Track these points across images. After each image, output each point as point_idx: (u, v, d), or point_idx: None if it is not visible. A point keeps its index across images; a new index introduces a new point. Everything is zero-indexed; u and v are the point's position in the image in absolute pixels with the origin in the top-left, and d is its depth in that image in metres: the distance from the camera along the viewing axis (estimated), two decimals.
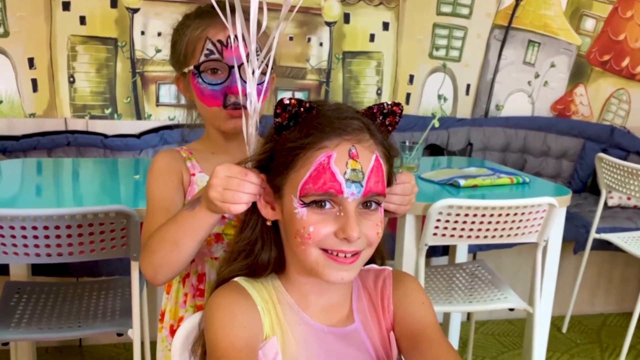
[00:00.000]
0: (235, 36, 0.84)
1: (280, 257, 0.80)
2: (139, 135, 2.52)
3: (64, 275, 2.06)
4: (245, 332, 0.74)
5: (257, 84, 0.85)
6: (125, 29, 2.52)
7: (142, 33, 2.54)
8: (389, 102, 0.78)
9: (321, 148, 0.73)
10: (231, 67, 0.93)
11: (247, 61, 0.85)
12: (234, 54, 0.91)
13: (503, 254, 2.54)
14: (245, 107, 0.84)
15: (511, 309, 1.81)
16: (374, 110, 0.78)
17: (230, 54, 0.92)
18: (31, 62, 2.46)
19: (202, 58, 0.94)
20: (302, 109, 0.74)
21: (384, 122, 0.79)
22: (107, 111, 2.57)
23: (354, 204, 0.73)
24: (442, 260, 2.44)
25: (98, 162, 2.18)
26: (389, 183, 0.80)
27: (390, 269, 0.86)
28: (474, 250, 2.42)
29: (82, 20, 2.48)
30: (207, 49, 0.94)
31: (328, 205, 0.73)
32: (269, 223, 0.79)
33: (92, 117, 2.55)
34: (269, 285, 0.81)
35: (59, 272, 2.05)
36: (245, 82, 0.84)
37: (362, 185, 0.73)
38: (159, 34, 2.53)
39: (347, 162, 0.73)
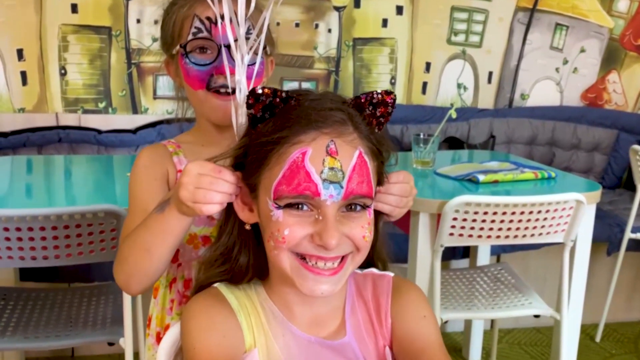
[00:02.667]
0: (222, 16, 0.83)
1: (262, 263, 0.78)
2: (135, 131, 2.52)
3: (55, 281, 2.07)
4: (224, 342, 0.72)
5: (248, 65, 0.83)
6: (120, 17, 2.53)
7: (138, 21, 2.55)
8: (379, 91, 0.75)
9: (296, 143, 0.70)
10: (220, 46, 0.91)
11: (236, 46, 0.84)
12: (224, 31, 0.89)
13: (529, 256, 2.50)
14: (235, 94, 0.83)
15: (537, 316, 1.79)
16: (362, 100, 0.75)
17: (220, 32, 0.91)
18: (20, 54, 2.47)
19: (190, 37, 0.93)
20: (277, 99, 0.72)
21: (374, 114, 0.76)
22: (101, 105, 2.58)
23: (334, 207, 0.70)
24: (463, 263, 2.41)
25: (91, 160, 2.19)
26: (380, 182, 0.77)
27: (392, 275, 0.83)
28: (497, 252, 2.39)
29: (74, 9, 2.48)
30: (195, 27, 0.93)
31: (305, 207, 0.71)
32: (247, 227, 0.76)
33: (85, 112, 2.55)
34: (252, 291, 0.79)
35: (50, 277, 2.06)
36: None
37: (341, 187, 0.70)
38: (156, 22, 2.47)
39: (324, 159, 0.70)
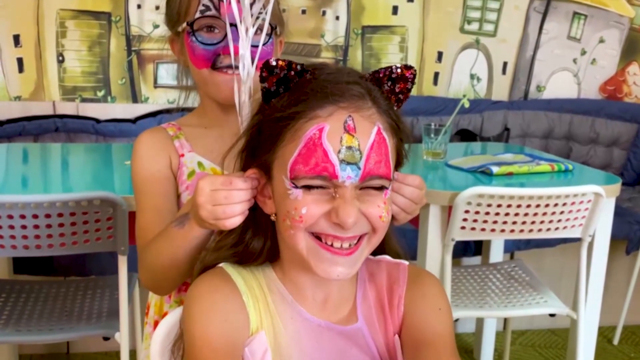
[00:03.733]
0: None
1: (274, 247, 0.77)
2: (134, 120, 2.52)
3: (50, 274, 2.06)
4: (225, 327, 0.71)
5: (253, 46, 0.81)
6: (120, 3, 2.52)
7: (139, 7, 2.54)
8: (398, 65, 0.74)
9: (312, 118, 0.69)
10: (230, 25, 0.89)
11: (241, 19, 0.82)
12: (230, 9, 0.88)
13: (544, 254, 2.47)
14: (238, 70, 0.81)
15: (552, 315, 1.76)
16: (380, 75, 0.74)
17: (229, 11, 0.89)
18: (17, 40, 2.47)
19: (197, 15, 0.92)
20: (292, 72, 0.71)
21: (393, 90, 0.74)
22: (100, 93, 2.57)
23: (351, 187, 0.69)
24: (475, 260, 2.39)
25: (89, 149, 2.18)
26: (399, 163, 0.76)
27: (407, 263, 0.82)
28: (510, 249, 2.36)
29: None
30: (203, 5, 0.92)
31: (322, 186, 0.70)
32: (273, 217, 0.75)
33: (83, 100, 2.54)
34: (260, 273, 0.78)
35: (45, 270, 2.05)
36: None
37: (359, 168, 0.69)
38: (157, 8, 2.51)
39: (342, 137, 0.68)
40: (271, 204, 0.75)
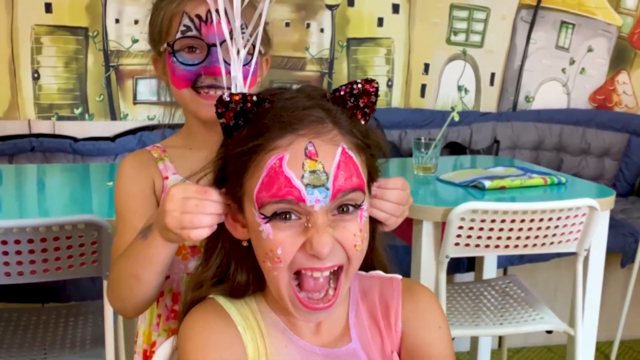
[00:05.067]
0: (217, 10, 0.84)
1: (261, 276, 0.78)
2: (113, 138, 2.52)
3: (29, 301, 2.05)
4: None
5: (243, 65, 0.84)
6: (97, 17, 2.53)
7: (117, 21, 2.56)
8: (359, 81, 0.75)
9: (272, 149, 0.70)
10: (210, 46, 0.92)
11: (231, 39, 0.85)
12: (215, 30, 0.90)
13: (538, 269, 2.51)
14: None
15: (549, 332, 1.79)
16: (342, 93, 0.75)
17: (210, 31, 0.92)
18: None
19: (178, 35, 0.94)
20: (248, 104, 0.72)
21: (357, 105, 0.75)
22: (77, 111, 2.58)
23: (323, 211, 0.70)
24: (468, 277, 2.42)
25: (67, 169, 2.18)
26: (373, 178, 0.78)
27: (400, 277, 0.83)
28: (504, 264, 2.39)
29: (48, 8, 2.49)
30: (184, 25, 0.94)
31: (293, 216, 0.70)
32: (244, 243, 0.76)
33: (60, 118, 2.55)
34: (252, 301, 0.79)
35: (21, 297, 2.03)
36: (228, 63, 0.83)
37: (327, 189, 0.69)
38: (136, 22, 2.53)
39: (303, 163, 0.69)
40: (243, 231, 0.76)
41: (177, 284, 1.01)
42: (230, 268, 0.77)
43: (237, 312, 0.76)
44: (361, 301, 0.81)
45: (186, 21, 0.94)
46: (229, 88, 0.85)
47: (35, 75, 2.52)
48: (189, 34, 0.94)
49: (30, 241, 1.36)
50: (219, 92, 0.85)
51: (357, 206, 0.72)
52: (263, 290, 0.79)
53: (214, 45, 0.90)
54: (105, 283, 1.48)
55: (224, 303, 0.77)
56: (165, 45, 0.96)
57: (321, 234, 0.69)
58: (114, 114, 2.61)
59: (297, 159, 0.69)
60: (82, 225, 1.38)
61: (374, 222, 0.81)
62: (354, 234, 0.72)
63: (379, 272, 0.84)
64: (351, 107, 0.75)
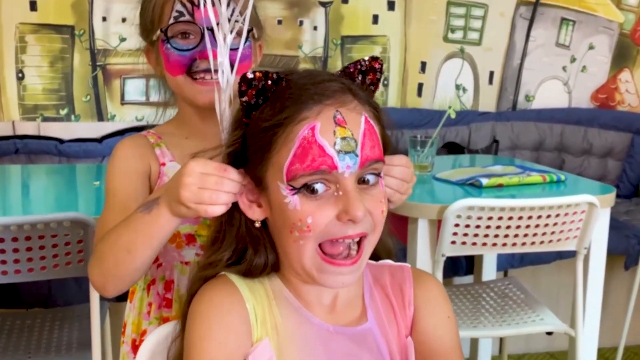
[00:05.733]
0: None
1: (277, 259, 0.82)
2: (100, 140, 2.54)
3: (12, 306, 2.06)
4: (222, 350, 0.75)
5: (231, 49, 0.86)
6: (84, 15, 2.55)
7: (104, 19, 2.57)
8: (366, 58, 0.81)
9: (301, 120, 0.74)
10: (204, 30, 0.94)
11: (217, 25, 0.87)
12: (207, 14, 0.92)
13: (540, 271, 2.53)
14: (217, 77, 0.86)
15: (549, 333, 1.81)
16: (351, 70, 0.81)
17: (203, 15, 0.94)
18: None
19: (171, 20, 0.97)
20: (269, 81, 0.76)
21: (364, 82, 0.81)
22: (63, 112, 2.59)
23: (352, 178, 0.75)
24: (467, 279, 2.43)
25: (52, 170, 2.19)
26: (385, 148, 0.82)
27: (409, 265, 0.88)
28: (504, 267, 2.41)
29: (33, 6, 2.51)
30: (177, 11, 0.96)
31: (322, 187, 0.74)
32: (257, 224, 0.80)
33: (45, 119, 2.56)
34: (265, 279, 0.82)
35: (6, 302, 2.04)
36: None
37: (356, 155, 0.75)
38: (124, 20, 2.55)
39: (334, 130, 0.74)
40: (258, 211, 0.79)
41: (170, 272, 1.02)
42: (247, 251, 0.81)
43: (248, 289, 0.79)
44: (374, 286, 0.86)
45: (178, 7, 0.96)
46: (216, 70, 0.87)
47: (20, 75, 2.53)
48: (182, 19, 0.96)
49: (15, 239, 1.37)
50: (215, 77, 0.87)
51: (378, 174, 0.78)
52: (277, 271, 0.83)
53: (208, 28, 0.92)
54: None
55: (235, 280, 0.80)
56: (158, 32, 0.98)
57: (355, 199, 0.73)
58: (101, 115, 2.62)
59: (329, 127, 0.74)
60: (67, 223, 1.40)
61: None
62: (380, 201, 0.77)
63: (388, 261, 0.88)
64: (359, 84, 0.81)
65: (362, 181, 0.77)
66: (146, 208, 0.84)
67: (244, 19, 0.87)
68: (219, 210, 0.77)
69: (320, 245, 0.76)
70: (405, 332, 0.84)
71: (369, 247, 0.79)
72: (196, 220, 0.98)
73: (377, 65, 0.81)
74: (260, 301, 0.79)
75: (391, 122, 0.84)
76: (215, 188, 0.76)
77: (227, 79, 0.87)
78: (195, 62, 0.97)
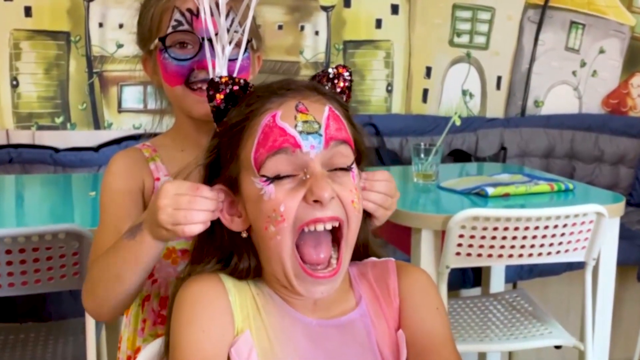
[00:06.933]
0: (205, 8, 0.89)
1: (259, 265, 0.84)
2: (97, 148, 2.56)
3: (4, 320, 2.07)
4: (203, 337, 0.78)
5: (230, 60, 0.88)
6: (80, 21, 2.58)
7: (100, 25, 2.60)
8: (334, 66, 0.85)
9: (264, 112, 0.79)
10: (203, 40, 0.96)
11: (216, 36, 0.89)
12: (206, 25, 0.94)
13: (549, 283, 2.53)
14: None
15: (558, 347, 1.81)
16: (319, 77, 0.85)
17: (202, 25, 0.96)
18: None
19: (169, 30, 0.99)
20: (236, 86, 0.81)
21: (334, 90, 0.85)
22: (58, 120, 2.61)
23: (318, 160, 0.77)
24: (474, 292, 2.44)
25: (47, 180, 2.20)
26: (361, 157, 0.85)
27: (393, 259, 0.90)
28: (512, 278, 2.42)
29: (28, 12, 2.53)
30: (175, 20, 0.99)
31: (291, 176, 0.78)
32: (244, 234, 0.83)
33: (40, 128, 2.58)
34: (250, 281, 0.85)
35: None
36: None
37: (320, 135, 0.78)
38: (121, 26, 2.58)
39: (295, 116, 0.78)
40: (239, 221, 0.82)
41: (165, 288, 1.04)
42: (232, 259, 0.84)
43: (231, 282, 0.82)
44: (359, 279, 0.88)
45: (177, 16, 0.99)
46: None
47: (14, 82, 2.55)
48: (181, 28, 0.99)
49: (9, 252, 1.39)
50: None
51: (347, 169, 0.80)
52: (261, 276, 0.85)
53: (207, 39, 0.94)
54: None
55: (220, 274, 0.83)
56: (156, 41, 1.00)
57: (320, 179, 0.76)
58: (97, 123, 2.64)
59: (289, 113, 0.78)
60: (62, 235, 1.41)
61: (364, 215, 0.86)
62: (350, 190, 0.79)
63: (372, 259, 0.90)
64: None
65: (330, 170, 0.79)
66: (131, 234, 0.87)
67: (244, 30, 0.90)
68: (196, 229, 0.80)
69: (298, 249, 0.78)
70: (394, 326, 0.85)
71: (347, 248, 0.81)
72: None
73: (345, 72, 0.85)
74: (243, 295, 0.82)
75: (367, 134, 0.88)
76: (189, 207, 0.79)
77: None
78: (194, 72, 0.99)
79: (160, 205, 0.80)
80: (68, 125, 2.62)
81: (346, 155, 0.80)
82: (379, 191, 0.88)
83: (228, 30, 0.91)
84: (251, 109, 0.79)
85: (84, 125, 2.64)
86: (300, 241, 0.79)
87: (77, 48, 2.59)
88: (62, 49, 2.58)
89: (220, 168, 0.83)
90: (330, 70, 0.85)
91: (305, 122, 0.78)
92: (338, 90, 0.85)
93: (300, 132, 0.77)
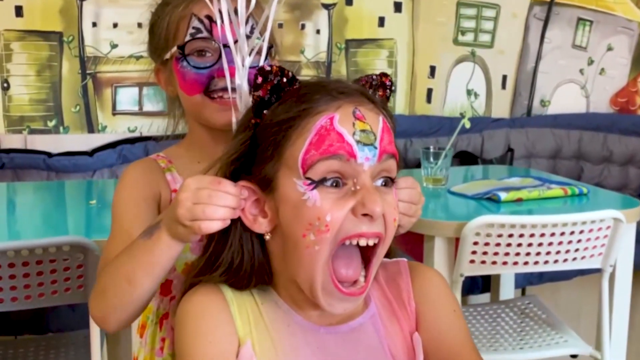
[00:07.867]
0: (221, 14, 0.89)
1: (263, 270, 0.84)
2: (91, 153, 2.55)
3: (2, 333, 2.07)
4: (210, 350, 0.78)
5: (250, 68, 0.89)
6: (73, 21, 2.56)
7: (94, 25, 2.58)
8: (376, 74, 0.85)
9: (319, 112, 0.78)
10: (223, 47, 0.96)
11: (236, 47, 0.90)
12: (224, 31, 0.95)
13: (560, 288, 2.56)
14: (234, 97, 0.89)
15: (574, 357, 1.83)
16: (363, 82, 0.85)
17: (222, 32, 0.96)
18: None
19: (188, 37, 0.99)
20: (284, 78, 0.80)
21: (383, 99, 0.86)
22: (51, 123, 2.60)
23: (369, 172, 0.77)
24: (484, 298, 2.46)
25: (40, 187, 2.21)
26: (397, 166, 0.85)
27: (405, 260, 0.90)
28: (522, 284, 2.44)
29: (18, 11, 2.52)
30: (194, 27, 0.99)
31: (339, 184, 0.77)
32: (267, 237, 0.82)
33: (32, 132, 2.57)
34: (254, 290, 0.85)
35: None
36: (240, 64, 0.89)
37: (375, 147, 0.78)
38: (115, 26, 2.57)
39: (353, 122, 0.78)
40: (265, 222, 0.81)
41: None
42: (234, 270, 0.83)
43: (231, 292, 0.82)
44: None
45: (195, 23, 0.99)
46: (233, 89, 0.90)
47: (5, 85, 2.54)
48: (200, 35, 0.99)
49: (12, 265, 1.39)
50: (233, 96, 0.90)
51: (392, 180, 0.81)
52: (266, 283, 0.85)
53: (226, 45, 0.94)
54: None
55: (220, 284, 0.83)
56: (173, 49, 1.00)
57: (373, 193, 0.76)
58: (91, 126, 2.63)
59: (347, 119, 0.78)
60: (67, 247, 1.42)
61: None
62: (394, 207, 0.80)
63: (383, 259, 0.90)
64: None
65: (377, 178, 0.80)
66: (147, 233, 0.85)
67: (264, 39, 0.90)
68: (213, 226, 0.78)
69: (333, 263, 0.78)
70: (408, 329, 0.85)
71: (376, 263, 0.81)
72: None
73: (387, 81, 0.85)
74: (244, 305, 0.82)
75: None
76: (208, 202, 0.77)
77: (245, 103, 0.90)
78: (213, 80, 0.99)
79: (180, 198, 0.79)
80: (61, 128, 2.61)
81: (393, 169, 0.81)
82: (403, 199, 0.89)
83: (248, 37, 0.92)
84: (304, 107, 0.78)
85: (78, 128, 2.63)
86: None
87: (70, 49, 2.58)
88: (55, 50, 2.57)
89: (248, 163, 0.82)
90: (374, 77, 0.85)
91: (363, 131, 0.78)
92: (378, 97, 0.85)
93: (358, 142, 0.77)
